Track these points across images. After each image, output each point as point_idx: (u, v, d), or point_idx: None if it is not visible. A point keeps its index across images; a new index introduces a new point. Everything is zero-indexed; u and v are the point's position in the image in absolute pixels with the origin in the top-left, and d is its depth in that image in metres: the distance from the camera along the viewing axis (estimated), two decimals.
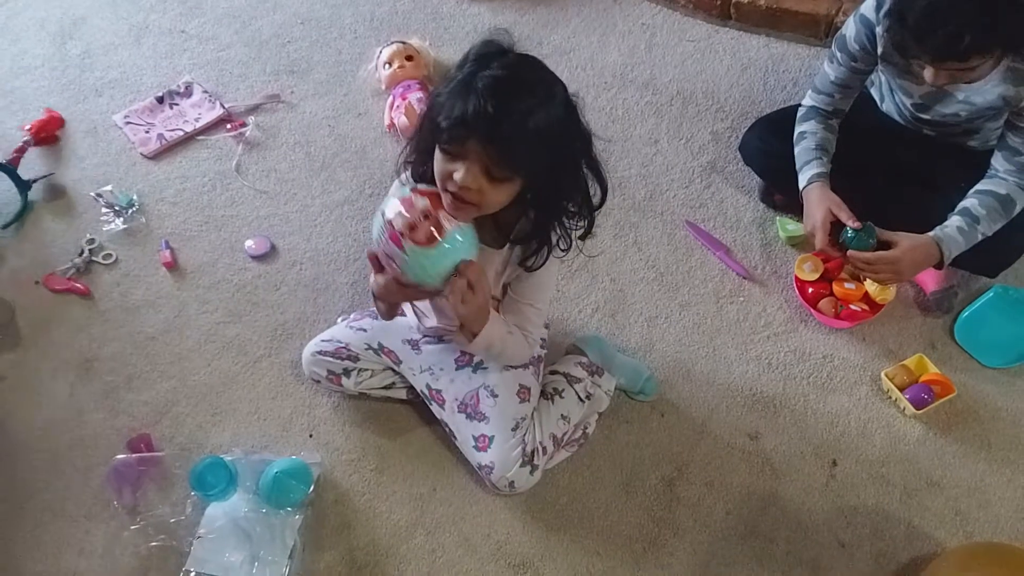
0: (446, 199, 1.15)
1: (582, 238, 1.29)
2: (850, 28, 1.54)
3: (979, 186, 1.52)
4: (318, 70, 2.14)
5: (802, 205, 1.64)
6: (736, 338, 1.67)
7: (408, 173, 1.26)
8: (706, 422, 1.57)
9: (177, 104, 2.05)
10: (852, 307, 1.63)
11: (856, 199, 1.56)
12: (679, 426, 1.56)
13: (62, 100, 2.10)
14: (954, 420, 1.56)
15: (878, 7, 1.47)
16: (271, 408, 1.61)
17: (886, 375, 1.57)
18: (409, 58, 2.02)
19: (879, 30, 1.48)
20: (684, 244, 1.81)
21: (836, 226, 1.55)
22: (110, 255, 1.81)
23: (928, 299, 1.68)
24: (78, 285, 1.76)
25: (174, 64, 2.17)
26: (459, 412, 1.46)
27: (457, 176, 1.10)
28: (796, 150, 1.65)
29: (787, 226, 1.79)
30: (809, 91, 1.68)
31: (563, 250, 1.27)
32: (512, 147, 1.08)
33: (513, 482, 1.42)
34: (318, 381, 1.56)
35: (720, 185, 1.90)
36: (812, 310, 1.65)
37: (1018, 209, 1.50)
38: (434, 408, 1.51)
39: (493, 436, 1.43)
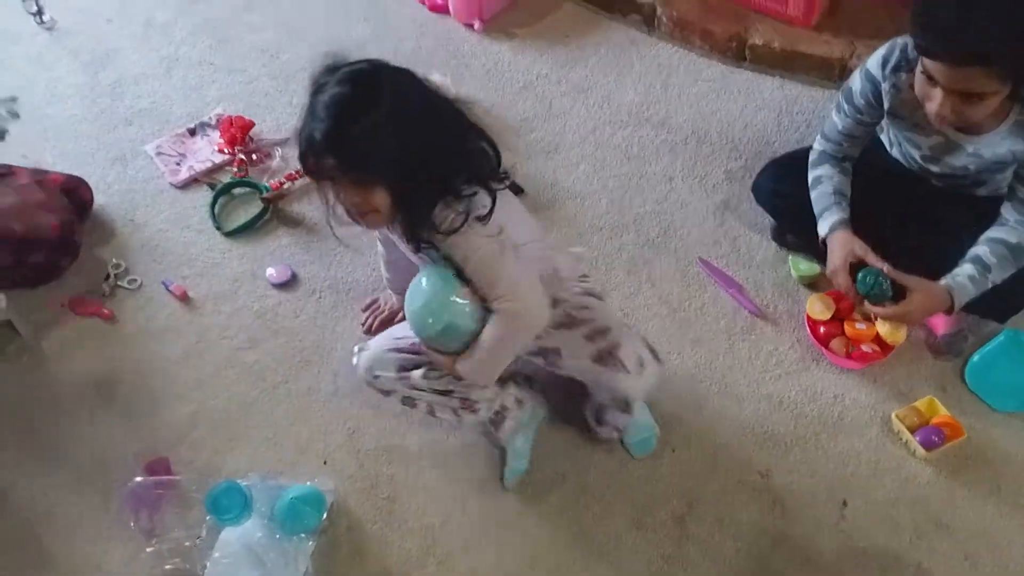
0: (359, 222, 1.27)
1: (487, 214, 1.26)
2: (856, 82, 1.56)
3: (990, 233, 1.52)
4: None
5: (815, 246, 1.66)
6: (747, 375, 1.69)
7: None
8: (717, 458, 1.58)
9: (208, 135, 2.11)
10: (863, 348, 1.65)
11: (864, 241, 1.58)
12: (690, 461, 1.58)
13: (93, 128, 2.17)
14: (964, 463, 1.56)
15: (884, 64, 1.50)
16: (287, 434, 1.64)
17: (897, 416, 1.58)
18: None
19: (885, 86, 1.51)
20: (697, 281, 1.84)
21: (853, 270, 1.57)
22: (135, 280, 1.86)
23: (938, 342, 1.69)
24: (104, 310, 1.80)
25: (203, 95, 2.23)
26: (561, 328, 1.43)
27: (345, 199, 1.22)
28: (813, 195, 1.66)
29: (800, 265, 1.81)
30: (818, 136, 1.70)
31: (451, 229, 1.24)
32: (355, 159, 1.16)
33: (642, 359, 1.43)
34: (377, 377, 1.47)
35: (733, 223, 1.93)
36: (824, 349, 1.67)
37: None
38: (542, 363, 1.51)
39: (608, 326, 1.43)
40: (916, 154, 1.60)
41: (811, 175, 1.68)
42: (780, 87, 2.19)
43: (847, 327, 1.67)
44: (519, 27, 2.37)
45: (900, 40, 1.49)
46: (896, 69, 1.48)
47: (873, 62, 1.52)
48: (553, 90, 2.22)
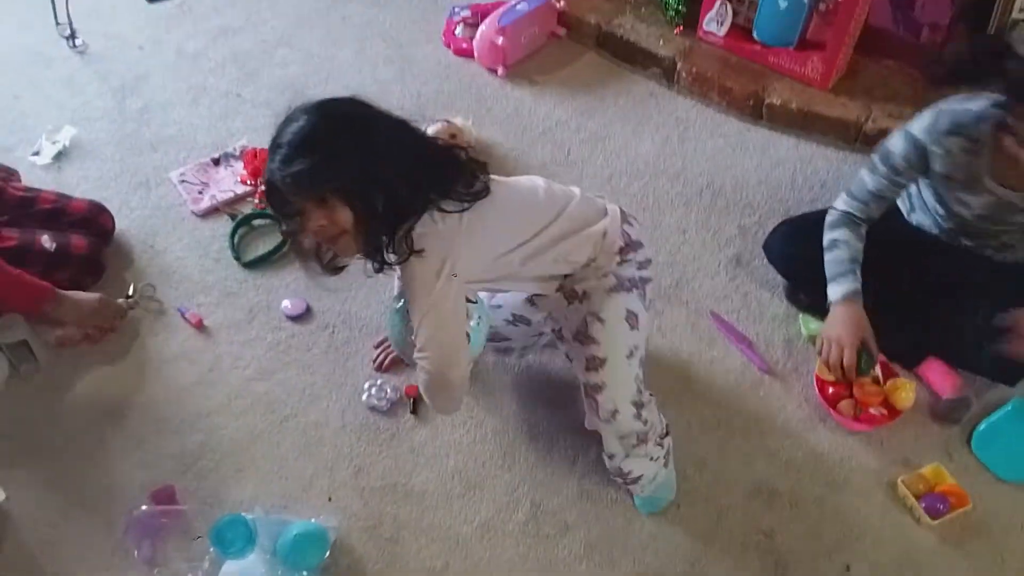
0: (336, 252, 1.34)
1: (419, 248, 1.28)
2: (896, 143, 1.58)
3: None
4: None
5: (825, 306, 1.68)
6: (754, 433, 1.69)
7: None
8: (721, 517, 1.58)
9: (231, 166, 2.14)
10: (871, 411, 1.66)
11: (881, 309, 1.60)
12: (695, 519, 1.58)
13: (118, 152, 2.20)
14: (968, 532, 1.56)
15: (931, 129, 1.53)
16: (293, 468, 1.64)
17: (903, 482, 1.58)
18: (452, 136, 2.11)
19: (935, 150, 1.53)
20: (707, 334, 1.85)
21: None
22: (159, 301, 1.89)
23: (940, 406, 1.70)
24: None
25: (228, 126, 2.27)
26: (574, 340, 1.45)
27: (312, 224, 1.25)
28: (828, 257, 1.67)
29: (810, 324, 1.83)
30: (843, 195, 1.71)
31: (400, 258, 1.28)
32: (313, 178, 1.21)
33: (617, 411, 1.41)
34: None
35: (745, 279, 1.95)
36: (831, 411, 1.68)
37: None
38: (561, 347, 1.57)
39: (605, 358, 1.41)
40: (966, 213, 1.60)
41: (828, 236, 1.69)
42: (795, 146, 2.22)
43: (856, 389, 1.68)
44: (541, 75, 2.42)
45: (943, 105, 1.53)
46: (949, 133, 1.51)
47: (917, 126, 1.55)
48: (572, 137, 2.26)
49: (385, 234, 1.28)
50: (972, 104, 1.50)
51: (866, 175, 1.66)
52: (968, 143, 1.50)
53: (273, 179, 1.24)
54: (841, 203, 1.71)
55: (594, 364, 1.41)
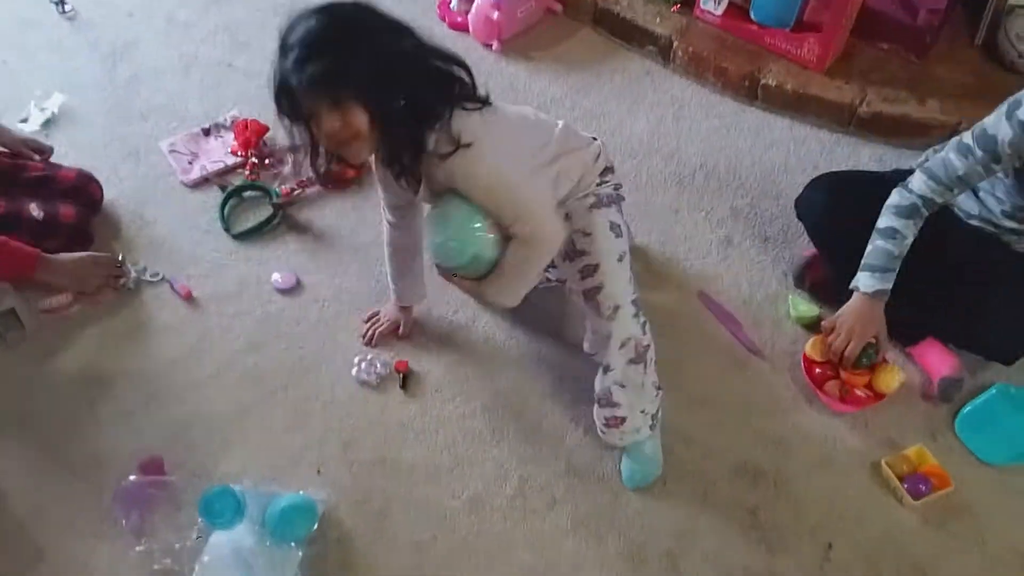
0: (345, 156, 1.31)
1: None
2: (1001, 128, 1.46)
3: None
4: None
5: (834, 286, 1.71)
6: (741, 412, 1.71)
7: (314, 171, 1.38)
8: (707, 494, 1.59)
9: (222, 137, 2.12)
10: (857, 392, 1.67)
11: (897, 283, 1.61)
12: (681, 496, 1.59)
13: (108, 120, 2.18)
14: (950, 514, 1.58)
15: None
16: (282, 441, 1.65)
17: (886, 463, 1.60)
18: None
19: None
20: (696, 314, 1.86)
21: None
22: (157, 273, 1.88)
23: (935, 385, 1.72)
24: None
25: (219, 96, 2.25)
26: (564, 260, 1.51)
27: (327, 127, 1.23)
28: (879, 243, 1.60)
29: (799, 306, 1.83)
30: (923, 177, 1.59)
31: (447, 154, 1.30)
32: (332, 78, 1.19)
33: (619, 306, 1.46)
34: None
35: (736, 259, 1.95)
36: (818, 391, 1.69)
37: None
38: (550, 273, 1.68)
39: (598, 264, 1.47)
40: None
41: (890, 221, 1.60)
42: (790, 128, 2.22)
43: (842, 370, 1.69)
44: (537, 51, 2.40)
45: None
46: None
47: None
48: (566, 115, 2.25)
49: (409, 136, 1.28)
50: None
51: (955, 158, 1.54)
52: None
53: (287, 82, 1.21)
54: (920, 185, 1.59)
55: (589, 271, 1.48)
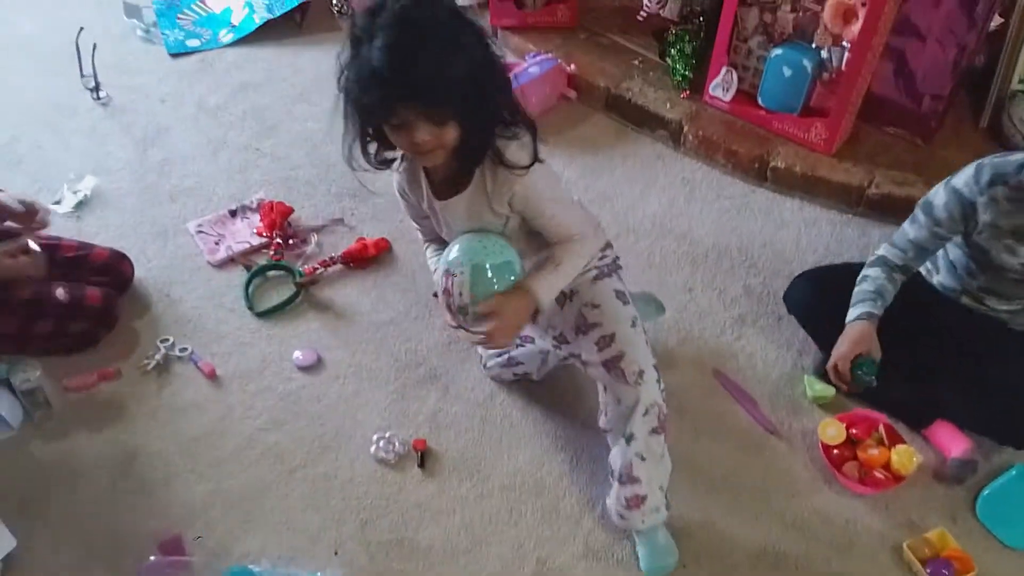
0: (416, 157, 1.33)
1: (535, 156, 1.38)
2: (939, 196, 1.63)
3: None
4: (379, 196, 2.27)
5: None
6: (760, 494, 1.70)
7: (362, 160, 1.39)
8: None
9: (248, 218, 2.19)
10: (876, 474, 1.67)
11: (895, 368, 1.66)
12: None
13: (138, 202, 2.26)
14: None
15: (976, 181, 1.58)
16: (301, 520, 1.65)
17: (908, 547, 1.58)
18: None
19: (982, 200, 1.57)
20: (713, 394, 1.87)
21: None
22: (186, 348, 1.92)
23: (947, 466, 1.71)
24: (108, 370, 1.86)
25: (246, 179, 2.33)
26: (577, 335, 1.53)
27: (416, 139, 1.24)
28: (855, 290, 1.74)
29: (815, 386, 1.84)
30: (884, 244, 1.77)
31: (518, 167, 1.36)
32: (436, 96, 1.20)
33: (643, 371, 1.47)
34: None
35: (751, 338, 1.97)
36: (837, 473, 1.69)
37: None
38: (562, 352, 1.61)
39: (614, 332, 1.49)
40: (1013, 262, 1.61)
41: (861, 274, 1.76)
42: (800, 209, 2.27)
43: (859, 452, 1.69)
44: (552, 135, 2.48)
45: (984, 160, 1.59)
46: (992, 184, 1.57)
47: (960, 180, 1.61)
48: (581, 196, 2.29)
49: (484, 147, 1.33)
50: (1012, 156, 1.57)
51: (907, 226, 1.71)
52: (1012, 191, 1.55)
53: (378, 78, 1.18)
54: (882, 249, 1.77)
55: (605, 342, 1.49)
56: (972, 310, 1.74)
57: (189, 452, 1.75)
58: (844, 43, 2.14)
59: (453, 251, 1.44)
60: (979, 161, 1.60)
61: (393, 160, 1.45)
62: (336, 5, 2.90)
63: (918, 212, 1.69)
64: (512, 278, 1.42)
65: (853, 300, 1.73)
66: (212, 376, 1.87)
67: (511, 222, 1.46)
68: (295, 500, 1.68)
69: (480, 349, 1.82)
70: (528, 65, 2.49)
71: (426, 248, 1.66)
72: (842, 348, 1.69)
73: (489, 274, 1.40)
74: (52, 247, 1.92)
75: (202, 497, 1.68)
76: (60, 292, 1.82)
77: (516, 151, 1.36)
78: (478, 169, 1.38)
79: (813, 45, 2.21)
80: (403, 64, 1.17)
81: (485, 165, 1.37)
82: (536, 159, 1.37)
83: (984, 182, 1.57)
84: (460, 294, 1.42)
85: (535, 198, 1.41)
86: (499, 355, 1.79)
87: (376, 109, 1.25)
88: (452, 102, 1.23)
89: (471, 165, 1.38)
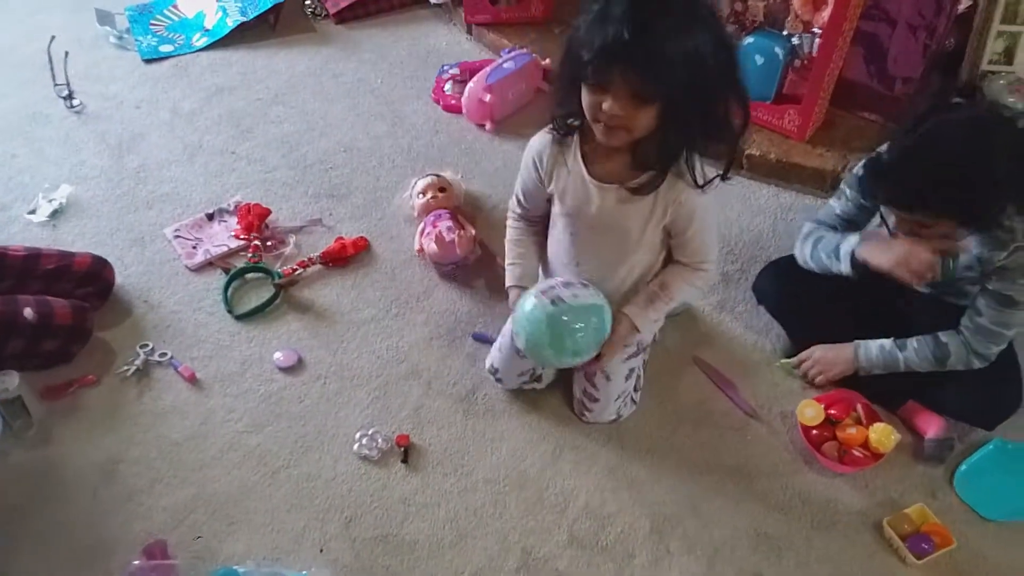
0: (597, 128, 1.27)
1: (726, 171, 1.38)
2: (849, 177, 1.69)
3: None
4: (356, 195, 2.29)
5: (815, 338, 1.82)
6: (742, 476, 1.72)
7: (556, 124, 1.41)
8: (712, 560, 1.59)
9: (225, 221, 2.19)
10: (855, 452, 1.68)
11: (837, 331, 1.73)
12: (687, 564, 1.59)
13: (114, 210, 2.25)
14: (954, 571, 1.57)
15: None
16: (285, 520, 1.65)
17: (888, 523, 1.60)
18: (442, 190, 2.16)
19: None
20: (692, 380, 1.88)
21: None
22: (166, 353, 1.91)
23: (924, 446, 1.73)
24: (88, 377, 1.86)
25: (223, 182, 2.32)
26: (579, 371, 1.70)
27: (606, 106, 1.20)
28: (817, 249, 1.74)
29: (792, 370, 1.87)
30: (807, 223, 1.82)
31: (700, 185, 1.37)
32: (656, 71, 1.15)
33: (614, 417, 1.72)
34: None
35: (729, 324, 1.99)
36: (816, 453, 1.70)
37: (950, 363, 1.64)
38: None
39: (599, 399, 1.69)
40: None
41: (805, 244, 1.78)
42: (775, 195, 2.29)
43: (838, 432, 1.71)
44: (529, 128, 2.43)
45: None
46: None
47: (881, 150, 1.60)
48: None
49: (674, 156, 1.31)
50: None
51: (833, 201, 1.78)
52: None
53: (611, 52, 1.14)
54: (808, 228, 1.81)
55: (591, 396, 1.70)
56: (933, 297, 1.74)
57: (171, 457, 1.74)
58: (815, 29, 2.16)
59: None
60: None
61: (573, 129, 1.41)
62: (310, 7, 2.91)
63: (843, 186, 1.73)
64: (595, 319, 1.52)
65: (826, 252, 1.70)
66: (192, 380, 1.87)
67: (650, 229, 1.45)
68: (279, 501, 1.68)
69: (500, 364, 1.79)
70: (503, 60, 2.50)
71: (509, 230, 1.69)
72: (819, 364, 1.78)
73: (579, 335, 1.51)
74: (33, 258, 1.91)
75: (185, 501, 1.67)
76: (28, 312, 1.79)
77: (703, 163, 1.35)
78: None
79: (784, 32, 2.23)
80: (636, 25, 1.13)
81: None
82: (724, 176, 1.36)
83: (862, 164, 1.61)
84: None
85: (698, 215, 1.43)
86: (520, 373, 1.78)
87: (588, 62, 1.20)
88: (666, 81, 1.17)
89: (653, 164, 1.34)
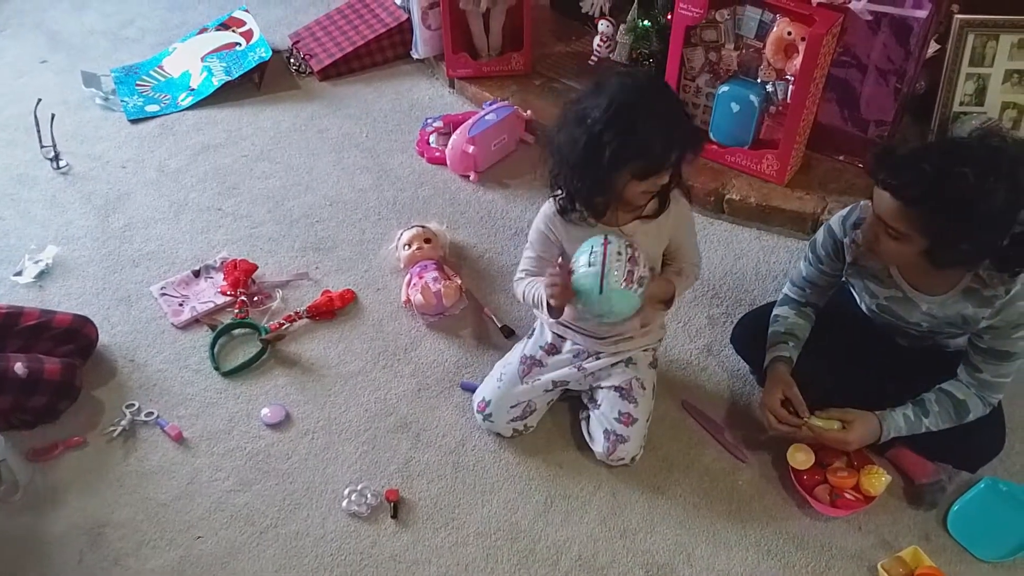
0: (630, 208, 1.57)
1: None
2: (820, 234, 1.72)
3: (943, 384, 1.64)
4: (343, 248, 2.30)
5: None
6: (735, 522, 1.71)
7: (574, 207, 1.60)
8: None
9: (211, 278, 2.19)
10: (847, 496, 1.68)
11: (850, 397, 1.69)
12: None
13: (100, 269, 2.25)
14: None
15: (844, 221, 1.65)
16: None
17: (883, 567, 1.59)
18: (427, 241, 2.18)
19: (846, 241, 1.65)
20: (682, 424, 1.88)
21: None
22: (152, 412, 1.90)
23: (916, 491, 1.72)
24: (75, 439, 1.84)
25: (209, 239, 2.33)
26: (613, 391, 1.76)
27: (652, 187, 1.52)
28: (769, 332, 1.80)
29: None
30: (787, 282, 1.85)
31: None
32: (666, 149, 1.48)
33: (626, 461, 1.76)
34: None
35: (716, 368, 1.99)
36: (808, 497, 1.70)
37: (970, 417, 1.62)
38: (584, 383, 1.82)
39: (637, 419, 1.74)
40: (872, 304, 1.69)
41: (773, 313, 1.83)
42: (757, 238, 2.31)
43: (829, 475, 1.71)
44: (512, 178, 2.52)
45: (863, 202, 1.63)
46: (855, 226, 1.63)
47: (836, 220, 1.68)
48: None
49: (669, 192, 1.60)
50: None
51: (801, 263, 1.80)
52: None
53: (650, 151, 1.45)
54: (785, 288, 1.85)
55: (627, 420, 1.74)
56: (917, 338, 1.73)
57: (158, 518, 1.72)
58: (788, 76, 2.21)
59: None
60: (860, 201, 1.65)
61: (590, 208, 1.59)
62: (294, 65, 2.96)
63: (807, 250, 1.77)
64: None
65: (768, 343, 1.78)
66: (179, 439, 1.85)
67: (660, 248, 1.70)
68: (267, 561, 1.66)
69: (483, 412, 1.83)
70: (486, 112, 2.54)
71: (521, 282, 1.75)
72: (767, 391, 1.74)
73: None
74: (14, 316, 1.91)
75: (173, 564, 1.64)
76: (19, 367, 1.79)
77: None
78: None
79: (758, 80, 2.28)
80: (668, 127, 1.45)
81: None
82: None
83: (850, 223, 1.64)
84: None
85: (688, 222, 1.70)
86: (513, 406, 1.79)
87: (654, 162, 1.46)
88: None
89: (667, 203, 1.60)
